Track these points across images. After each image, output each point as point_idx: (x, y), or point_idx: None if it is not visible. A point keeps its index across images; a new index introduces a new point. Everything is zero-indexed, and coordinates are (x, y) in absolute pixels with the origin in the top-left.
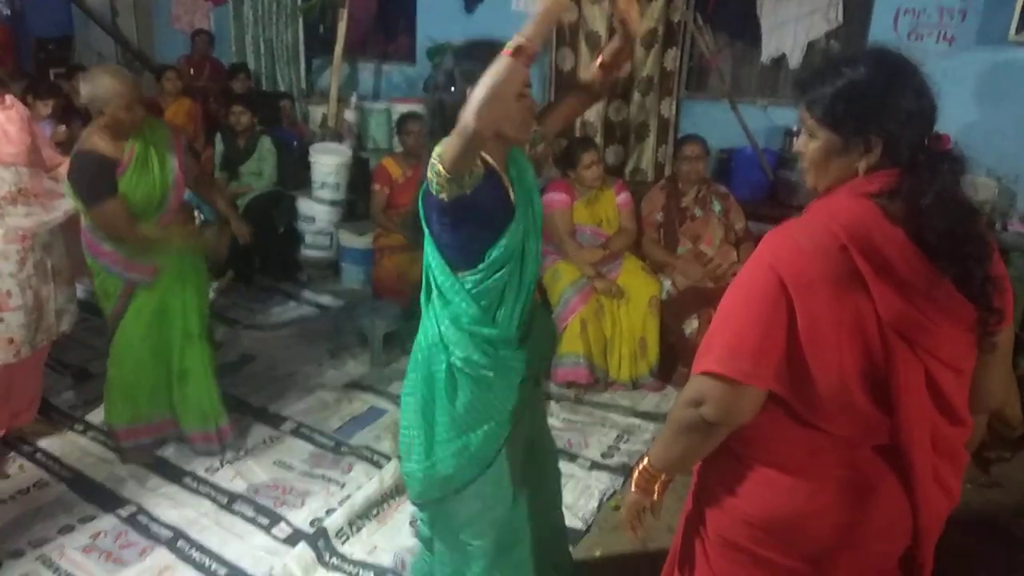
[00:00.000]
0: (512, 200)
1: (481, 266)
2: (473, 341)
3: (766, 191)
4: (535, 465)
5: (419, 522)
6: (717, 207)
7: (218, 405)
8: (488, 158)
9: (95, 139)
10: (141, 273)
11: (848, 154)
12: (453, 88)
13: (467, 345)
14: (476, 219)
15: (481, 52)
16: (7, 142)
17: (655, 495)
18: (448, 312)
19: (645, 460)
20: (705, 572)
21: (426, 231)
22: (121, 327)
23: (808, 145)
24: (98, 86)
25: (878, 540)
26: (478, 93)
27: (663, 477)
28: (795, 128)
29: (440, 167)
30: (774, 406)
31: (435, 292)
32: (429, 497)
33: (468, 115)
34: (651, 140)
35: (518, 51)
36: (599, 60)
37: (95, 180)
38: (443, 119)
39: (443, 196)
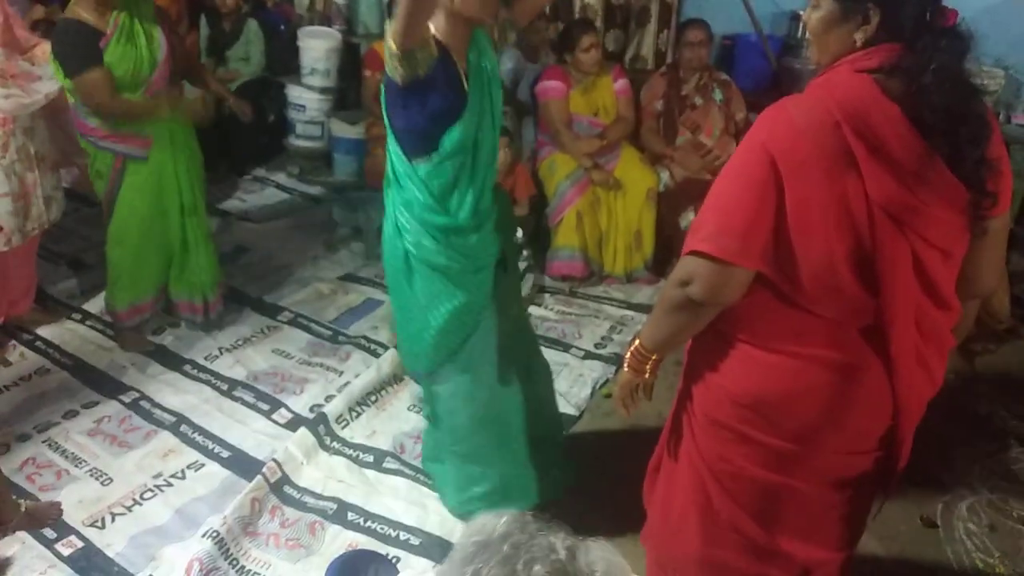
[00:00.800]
0: (466, 86)
1: (434, 154)
2: (424, 228)
3: (769, 80)
4: (520, 361)
5: (422, 400)
6: (718, 96)
7: (211, 279)
8: (442, 40)
9: (78, 8)
10: (132, 145)
11: (847, 24)
12: None
13: (418, 231)
14: (429, 104)
15: None
16: None
17: (647, 374)
18: (402, 198)
19: (637, 341)
20: (691, 449)
21: (386, 118)
22: (118, 206)
23: (812, 15)
24: None
25: (860, 420)
26: (397, 20)
27: (654, 357)
28: (802, 12)
29: (391, 43)
30: (761, 287)
31: (392, 178)
32: (412, 369)
33: (395, 37)
34: (652, 25)
35: None
36: None
37: (77, 47)
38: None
39: (397, 79)
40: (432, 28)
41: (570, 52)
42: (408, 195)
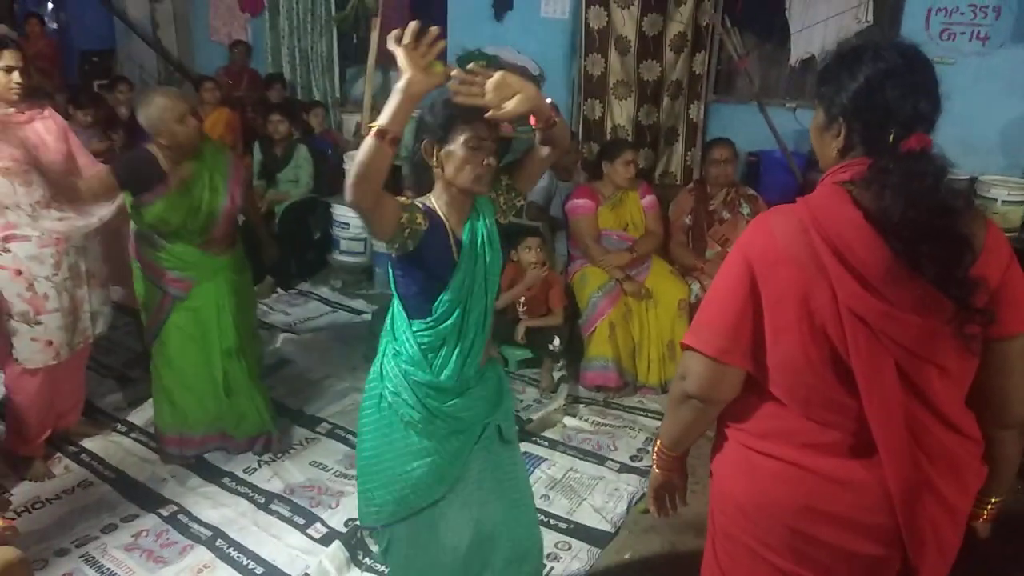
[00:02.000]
0: (455, 254)
1: (430, 318)
2: (406, 380)
3: (795, 194)
4: (489, 540)
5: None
6: (746, 210)
7: (264, 416)
8: (441, 210)
9: (155, 147)
10: (175, 286)
11: (828, 132)
12: (417, 140)
13: (400, 383)
14: (421, 273)
15: (439, 109)
16: (45, 151)
17: (672, 472)
18: (392, 348)
19: (658, 440)
20: (712, 567)
21: (391, 283)
22: (159, 342)
23: (811, 123)
24: (150, 107)
25: (872, 543)
26: (349, 171)
27: (675, 454)
28: None
29: (375, 242)
30: (755, 388)
31: (389, 328)
32: (365, 522)
33: (345, 192)
34: (680, 144)
35: (380, 134)
36: (532, 120)
37: (132, 162)
38: (411, 166)
39: (391, 252)
40: (432, 201)
41: (610, 162)
42: (399, 346)
